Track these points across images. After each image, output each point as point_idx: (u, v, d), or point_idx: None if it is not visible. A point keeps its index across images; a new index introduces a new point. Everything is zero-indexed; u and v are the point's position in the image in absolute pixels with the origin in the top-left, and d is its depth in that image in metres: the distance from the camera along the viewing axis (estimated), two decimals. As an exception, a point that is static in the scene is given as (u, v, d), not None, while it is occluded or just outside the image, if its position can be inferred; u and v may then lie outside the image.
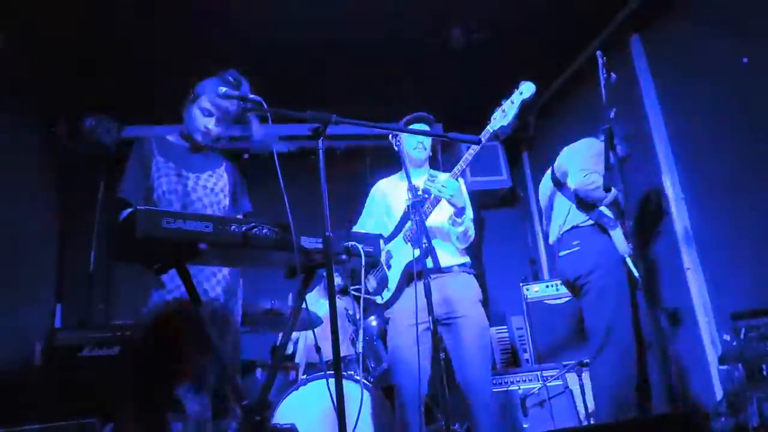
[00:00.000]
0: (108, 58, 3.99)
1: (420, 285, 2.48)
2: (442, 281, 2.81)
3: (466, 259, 2.98)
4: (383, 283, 2.94)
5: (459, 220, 2.84)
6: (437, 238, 2.87)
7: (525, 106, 2.75)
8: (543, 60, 4.42)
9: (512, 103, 2.72)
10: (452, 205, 2.76)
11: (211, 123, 2.45)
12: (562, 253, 3.34)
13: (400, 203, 2.96)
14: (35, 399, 3.07)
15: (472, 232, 2.95)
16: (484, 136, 2.71)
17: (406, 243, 2.87)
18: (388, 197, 3.11)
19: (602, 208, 3.22)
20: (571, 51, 4.43)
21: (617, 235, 3.16)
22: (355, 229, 3.17)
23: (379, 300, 2.96)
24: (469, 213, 2.97)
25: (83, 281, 4.40)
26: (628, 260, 3.13)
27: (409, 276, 2.84)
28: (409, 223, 2.86)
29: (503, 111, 2.73)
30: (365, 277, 2.99)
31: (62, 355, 3.21)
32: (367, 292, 2.97)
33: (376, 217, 3.13)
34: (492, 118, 2.75)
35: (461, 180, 2.88)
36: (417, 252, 2.70)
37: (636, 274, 3.10)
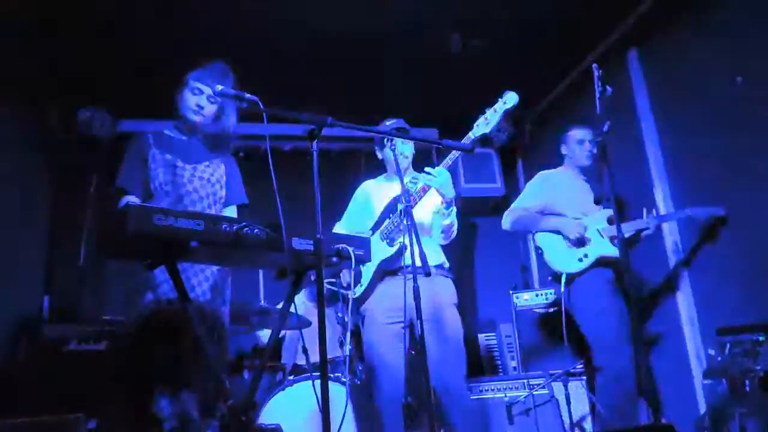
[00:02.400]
0: (105, 51, 3.97)
1: (400, 283, 2.56)
2: (422, 282, 2.82)
3: (444, 259, 3.03)
4: (357, 277, 2.99)
5: (446, 212, 2.88)
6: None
7: (509, 115, 2.87)
8: (541, 70, 4.44)
9: (495, 111, 2.80)
10: (441, 195, 2.80)
11: (202, 100, 2.49)
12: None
13: (383, 203, 3.04)
14: (20, 393, 3.05)
15: (455, 227, 3.00)
16: (466, 140, 2.80)
17: (382, 240, 2.93)
18: (371, 198, 3.16)
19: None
20: (568, 62, 4.46)
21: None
22: (337, 226, 3.26)
23: (351, 295, 3.00)
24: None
25: (73, 275, 4.38)
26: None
27: (381, 273, 2.93)
28: (387, 221, 2.94)
29: (486, 119, 2.80)
30: (341, 271, 3.08)
31: (48, 349, 3.19)
32: (341, 286, 3.02)
33: (356, 216, 3.20)
34: (475, 125, 2.83)
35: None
36: (393, 250, 2.86)
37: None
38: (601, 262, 3.36)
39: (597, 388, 3.26)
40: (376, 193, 3.16)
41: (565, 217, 3.48)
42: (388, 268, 2.91)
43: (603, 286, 3.33)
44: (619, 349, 3.10)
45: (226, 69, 2.51)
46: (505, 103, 2.79)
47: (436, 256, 2.98)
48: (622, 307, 3.26)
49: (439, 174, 2.74)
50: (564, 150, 3.72)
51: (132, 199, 2.36)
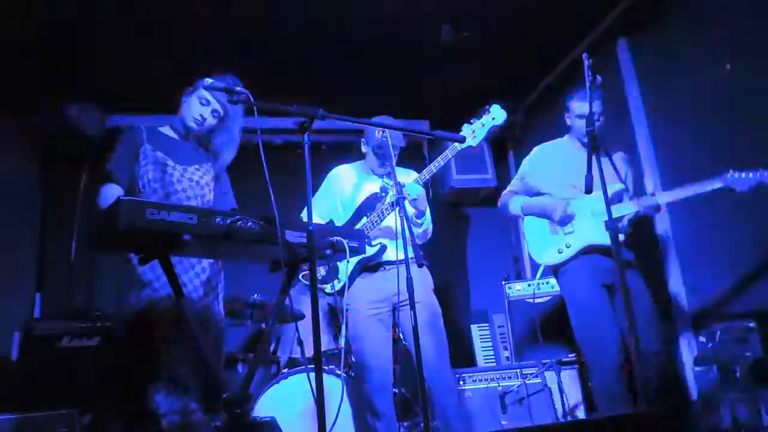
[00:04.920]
0: (95, 45, 3.93)
1: (380, 276, 2.67)
2: (401, 270, 2.82)
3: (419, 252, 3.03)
4: (333, 272, 2.97)
5: (419, 221, 2.92)
6: (394, 238, 2.84)
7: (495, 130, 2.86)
8: (530, 60, 4.44)
9: (482, 126, 2.82)
10: (414, 207, 2.81)
11: (206, 112, 2.50)
12: None
13: (357, 194, 3.01)
14: (13, 389, 3.04)
15: (430, 230, 3.08)
16: (451, 151, 2.80)
17: None
18: (344, 186, 3.10)
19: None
20: (558, 52, 4.46)
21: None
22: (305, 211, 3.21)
23: (328, 289, 2.99)
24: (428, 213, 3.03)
25: (64, 270, 4.36)
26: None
27: (360, 270, 2.93)
28: (364, 219, 2.93)
29: (473, 132, 2.82)
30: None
31: (41, 345, 3.18)
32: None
33: (329, 203, 3.13)
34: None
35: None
36: (374, 250, 2.87)
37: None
38: (592, 251, 3.02)
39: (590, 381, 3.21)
40: (350, 184, 3.09)
41: (549, 197, 3.19)
42: (368, 264, 2.91)
43: (589, 277, 3.00)
44: (602, 349, 2.89)
45: (238, 81, 2.44)
46: (493, 119, 2.82)
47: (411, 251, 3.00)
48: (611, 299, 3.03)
49: (411, 189, 2.72)
50: (567, 120, 3.28)
51: (115, 187, 2.36)
